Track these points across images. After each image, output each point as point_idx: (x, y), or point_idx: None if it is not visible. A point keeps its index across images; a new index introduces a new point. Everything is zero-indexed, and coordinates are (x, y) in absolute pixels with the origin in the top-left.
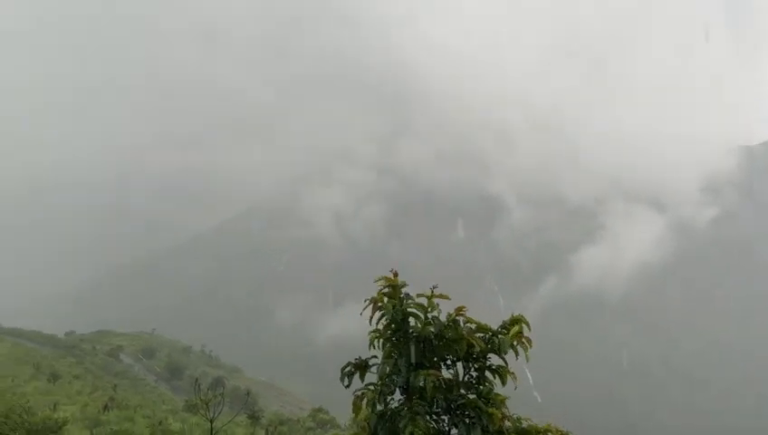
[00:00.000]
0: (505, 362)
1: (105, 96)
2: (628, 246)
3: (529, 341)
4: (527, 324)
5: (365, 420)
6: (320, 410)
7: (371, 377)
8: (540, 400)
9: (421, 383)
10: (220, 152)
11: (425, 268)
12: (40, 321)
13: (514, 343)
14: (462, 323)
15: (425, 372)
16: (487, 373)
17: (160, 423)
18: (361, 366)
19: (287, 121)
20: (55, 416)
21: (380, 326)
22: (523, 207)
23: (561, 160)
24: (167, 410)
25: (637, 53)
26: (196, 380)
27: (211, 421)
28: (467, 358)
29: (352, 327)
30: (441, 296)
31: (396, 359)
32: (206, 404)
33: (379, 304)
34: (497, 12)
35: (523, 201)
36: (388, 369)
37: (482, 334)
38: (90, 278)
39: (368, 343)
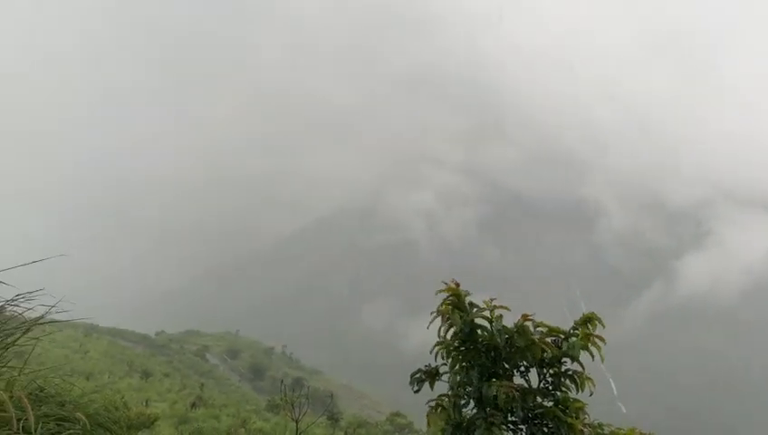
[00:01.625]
0: (582, 366)
1: (201, 102)
2: (739, 252)
3: (602, 339)
4: (600, 321)
5: (440, 432)
6: (398, 414)
7: (441, 385)
8: (624, 410)
9: (494, 394)
10: (308, 156)
11: (517, 273)
12: (133, 320)
13: (587, 344)
14: (532, 328)
15: (497, 382)
16: (563, 379)
17: (244, 422)
18: (432, 374)
19: (374, 125)
20: (148, 412)
21: (448, 336)
22: (620, 210)
23: (660, 161)
24: (250, 410)
25: (743, 50)
26: (281, 381)
27: (296, 422)
28: (541, 364)
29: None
30: (502, 307)
31: (466, 369)
32: (292, 405)
33: (447, 316)
34: (587, 10)
35: (620, 204)
36: (459, 378)
37: (554, 338)
38: (180, 280)
39: (434, 353)
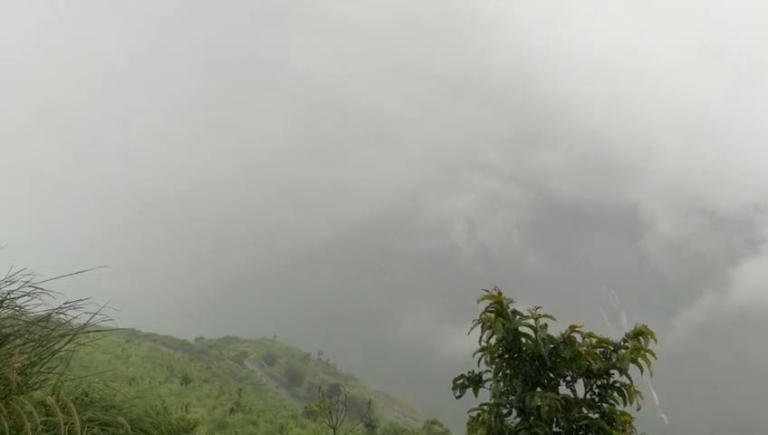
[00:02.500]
0: (630, 379)
1: (245, 113)
2: None
3: (652, 353)
4: (652, 335)
5: None
6: (434, 422)
7: (482, 393)
8: (667, 422)
9: (537, 404)
10: (351, 163)
11: (558, 279)
12: (173, 326)
13: (637, 358)
14: (580, 339)
15: (541, 392)
16: (610, 391)
17: (282, 429)
18: (475, 380)
19: (418, 131)
20: (188, 417)
21: (490, 343)
22: (667, 216)
23: (709, 166)
24: (287, 416)
25: None
26: (320, 388)
27: (334, 429)
28: (588, 375)
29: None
30: (546, 316)
31: (510, 377)
32: (329, 411)
33: (488, 324)
34: (635, 14)
35: (667, 210)
36: (502, 386)
37: (602, 349)
38: (219, 286)
39: (477, 359)
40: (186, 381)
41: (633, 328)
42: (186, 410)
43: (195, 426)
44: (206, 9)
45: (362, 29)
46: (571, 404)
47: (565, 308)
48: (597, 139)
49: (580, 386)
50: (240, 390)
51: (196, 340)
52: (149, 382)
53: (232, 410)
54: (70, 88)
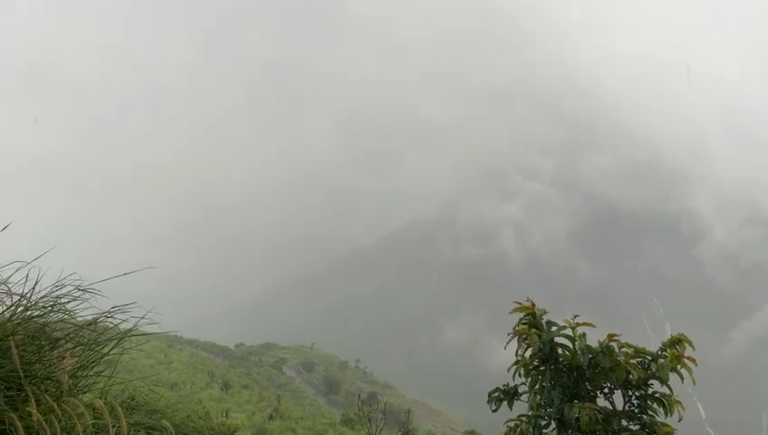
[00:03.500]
0: (670, 389)
1: (293, 121)
2: None
3: (693, 361)
4: (689, 343)
5: None
6: (472, 432)
7: (520, 405)
8: None
9: (576, 415)
10: (395, 170)
11: (605, 288)
12: (214, 332)
13: (678, 366)
14: (617, 349)
15: (579, 404)
16: (650, 402)
17: None
18: (510, 393)
19: (463, 138)
20: (228, 422)
21: (526, 355)
22: (722, 224)
23: (765, 174)
24: (325, 423)
25: None
26: (359, 396)
27: None
28: (626, 386)
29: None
30: (585, 324)
31: (548, 389)
32: (369, 420)
33: (524, 337)
34: (685, 17)
35: (722, 218)
36: (539, 399)
37: (640, 359)
38: (260, 293)
39: (512, 372)
40: (226, 386)
41: (670, 336)
42: (226, 416)
43: (235, 432)
44: (251, 21)
45: (405, 37)
46: (611, 416)
47: (611, 317)
48: (646, 145)
49: (617, 398)
50: (279, 396)
51: (237, 346)
52: (191, 388)
53: (271, 417)
54: (122, 101)
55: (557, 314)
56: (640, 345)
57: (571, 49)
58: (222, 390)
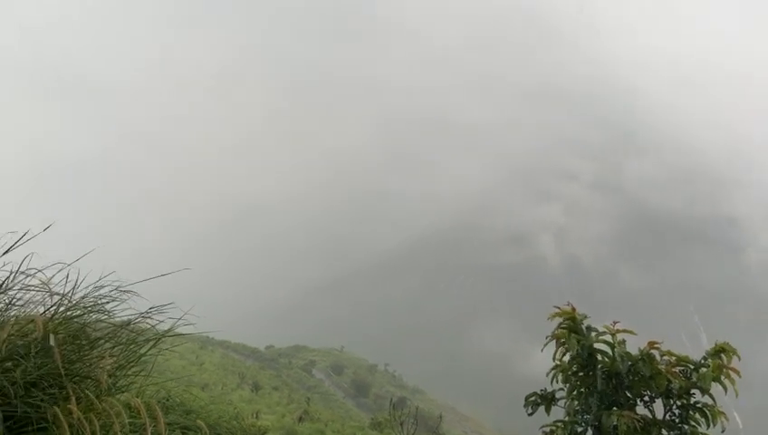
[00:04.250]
0: (713, 399)
1: (325, 124)
2: None
3: (737, 372)
4: (735, 353)
5: None
6: None
7: (556, 411)
8: None
9: (614, 423)
10: (429, 171)
11: (644, 293)
12: (245, 334)
13: (720, 376)
14: (659, 357)
15: (618, 411)
16: (692, 412)
17: None
18: (548, 398)
19: (502, 140)
20: (258, 424)
21: (564, 360)
22: None
23: None
24: (354, 427)
25: None
26: (391, 400)
27: None
28: (668, 394)
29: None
30: (625, 331)
31: (585, 396)
32: (401, 424)
33: (563, 341)
34: (728, 17)
35: None
36: (576, 405)
37: (682, 368)
38: (290, 295)
39: (550, 377)
40: (256, 388)
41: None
42: (256, 417)
43: (265, 433)
44: (284, 25)
45: (440, 40)
46: (650, 425)
47: (650, 324)
48: (689, 150)
49: (658, 407)
50: (308, 398)
51: (267, 348)
52: (222, 389)
53: (301, 419)
54: (161, 107)
55: (595, 321)
56: (683, 354)
57: (609, 52)
58: (252, 391)
